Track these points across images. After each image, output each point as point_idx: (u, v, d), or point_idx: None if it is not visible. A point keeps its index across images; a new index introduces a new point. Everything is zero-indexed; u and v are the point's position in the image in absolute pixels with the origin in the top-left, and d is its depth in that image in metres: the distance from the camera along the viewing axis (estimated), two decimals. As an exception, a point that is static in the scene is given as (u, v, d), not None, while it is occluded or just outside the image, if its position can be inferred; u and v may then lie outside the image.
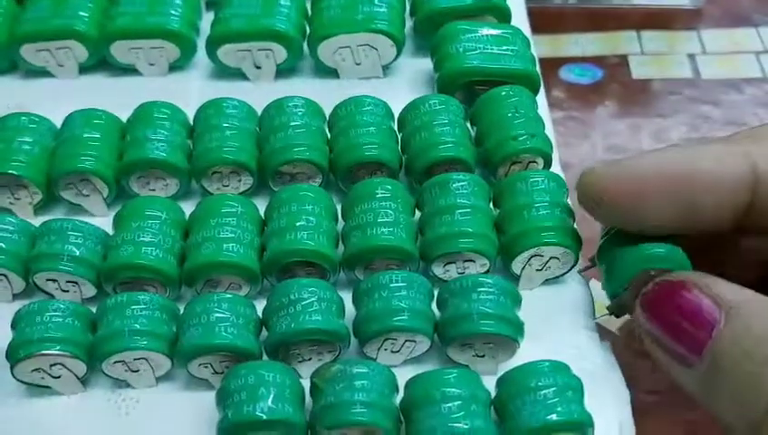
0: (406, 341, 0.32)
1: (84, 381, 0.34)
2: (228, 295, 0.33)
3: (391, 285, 0.32)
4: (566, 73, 0.63)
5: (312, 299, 0.32)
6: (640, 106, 0.61)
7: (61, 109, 0.41)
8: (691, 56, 0.64)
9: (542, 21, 0.60)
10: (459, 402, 0.29)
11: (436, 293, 0.34)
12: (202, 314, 0.32)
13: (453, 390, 0.29)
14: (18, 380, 0.33)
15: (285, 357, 0.33)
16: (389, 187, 0.36)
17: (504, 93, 0.38)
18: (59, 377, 0.33)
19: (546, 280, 0.35)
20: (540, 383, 0.29)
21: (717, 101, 0.61)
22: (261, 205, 0.37)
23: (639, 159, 0.29)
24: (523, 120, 0.37)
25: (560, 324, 0.34)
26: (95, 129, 0.39)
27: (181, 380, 0.34)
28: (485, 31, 0.41)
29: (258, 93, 0.43)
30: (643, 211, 0.29)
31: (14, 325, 0.33)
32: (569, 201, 0.35)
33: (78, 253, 0.35)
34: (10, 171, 0.38)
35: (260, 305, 0.34)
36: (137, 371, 0.33)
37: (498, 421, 0.30)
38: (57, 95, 0.45)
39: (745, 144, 0.29)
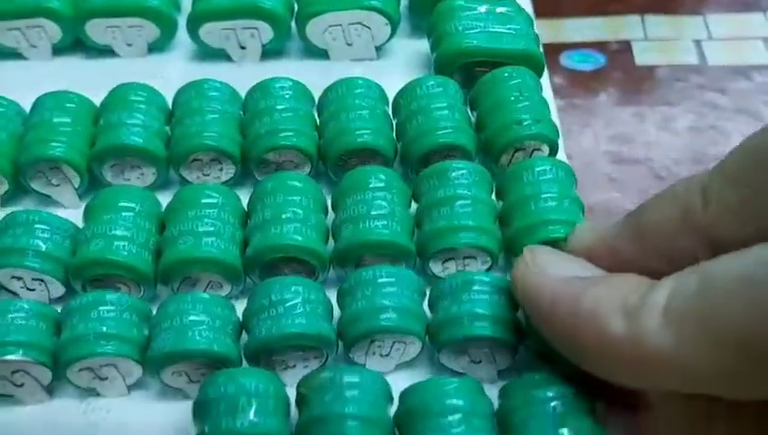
0: (395, 343, 0.30)
1: (50, 390, 0.31)
2: (204, 296, 0.30)
3: (377, 281, 0.29)
4: (566, 60, 0.61)
5: (297, 300, 0.29)
6: (645, 94, 0.59)
7: (33, 93, 0.38)
8: (697, 42, 0.62)
9: (542, 4, 0.57)
10: (460, 416, 0.26)
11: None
12: (175, 317, 0.29)
13: (453, 401, 0.26)
14: (-24, 387, 0.30)
15: (267, 364, 0.30)
16: (384, 176, 0.33)
17: (506, 75, 0.36)
18: (21, 385, 0.30)
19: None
20: (549, 394, 0.27)
21: (725, 89, 0.58)
22: (244, 196, 0.34)
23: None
24: (527, 103, 0.35)
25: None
26: (66, 113, 0.36)
27: (155, 388, 0.31)
28: (485, 8, 0.38)
29: (243, 76, 0.40)
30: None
31: (-29, 327, 0.30)
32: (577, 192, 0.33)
33: (45, 248, 0.32)
34: (-28, 159, 0.35)
35: (243, 307, 0.31)
36: (105, 378, 0.30)
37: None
38: (29, 78, 0.42)
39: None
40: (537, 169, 0.32)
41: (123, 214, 0.33)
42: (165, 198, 0.35)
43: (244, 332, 0.31)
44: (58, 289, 0.33)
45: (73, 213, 0.35)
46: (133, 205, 0.33)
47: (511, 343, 0.29)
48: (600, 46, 0.61)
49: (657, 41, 0.61)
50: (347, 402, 0.27)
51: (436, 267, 0.32)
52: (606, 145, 0.55)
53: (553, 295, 0.25)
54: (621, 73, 0.59)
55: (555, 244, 0.30)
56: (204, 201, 0.33)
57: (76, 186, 0.36)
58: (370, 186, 0.33)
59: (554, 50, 0.60)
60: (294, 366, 0.30)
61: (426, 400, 0.27)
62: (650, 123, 0.57)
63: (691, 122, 0.57)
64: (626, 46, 0.61)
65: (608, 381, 0.25)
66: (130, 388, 0.31)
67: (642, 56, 0.60)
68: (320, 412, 0.27)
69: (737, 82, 0.59)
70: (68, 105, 0.37)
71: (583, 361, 0.25)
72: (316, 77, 0.39)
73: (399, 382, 0.28)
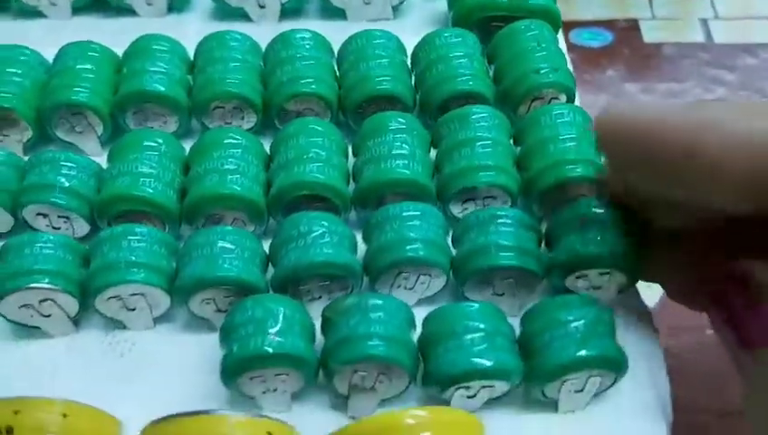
0: (420, 275, 0.30)
1: (76, 322, 0.31)
2: (232, 229, 0.31)
3: (403, 215, 0.30)
4: (576, 37, 0.62)
5: (323, 231, 0.30)
6: (652, 70, 0.60)
7: (53, 50, 0.39)
8: (703, 21, 0.63)
9: (552, -18, 0.59)
10: (482, 335, 0.27)
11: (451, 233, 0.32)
12: (204, 246, 0.30)
13: (475, 323, 0.27)
14: (5, 317, 0.30)
15: (294, 294, 0.30)
16: (404, 120, 0.34)
17: (523, 27, 0.36)
18: (49, 316, 0.31)
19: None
20: (569, 317, 0.27)
21: (732, 66, 0.59)
22: (265, 145, 0.35)
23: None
24: (544, 53, 0.35)
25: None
26: (90, 61, 0.37)
27: (180, 321, 0.32)
28: (502, -35, 0.39)
29: (261, 35, 0.40)
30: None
31: (0, 257, 0.30)
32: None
33: (70, 184, 0.33)
34: (-2, 104, 0.36)
35: (265, 247, 0.32)
36: (133, 309, 0.31)
37: (524, 359, 0.28)
38: (49, 36, 0.43)
39: None
40: (554, 113, 0.33)
41: (148, 153, 0.33)
42: (187, 148, 0.35)
43: (270, 265, 0.31)
44: (83, 227, 0.33)
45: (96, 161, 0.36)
46: (158, 146, 0.34)
47: (535, 275, 0.30)
48: (608, 24, 0.62)
49: (664, 19, 0.62)
50: (372, 323, 0.27)
51: (455, 208, 0.33)
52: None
53: (662, 114, 0.24)
54: (629, 50, 0.60)
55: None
56: (228, 142, 0.33)
57: (99, 133, 0.37)
58: (391, 128, 0.33)
59: (564, 27, 0.61)
60: (320, 298, 0.31)
61: (448, 321, 0.27)
62: (657, 99, 0.58)
63: (698, 98, 0.58)
64: (634, 24, 0.62)
65: (714, 209, 0.24)
66: (156, 320, 0.31)
67: (650, 34, 0.61)
68: (345, 334, 0.27)
69: (743, 59, 0.60)
70: (91, 54, 0.38)
71: (694, 181, 0.23)
72: (334, 37, 0.39)
73: (421, 316, 0.29)
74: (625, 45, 0.61)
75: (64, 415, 0.24)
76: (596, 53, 0.60)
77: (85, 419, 0.24)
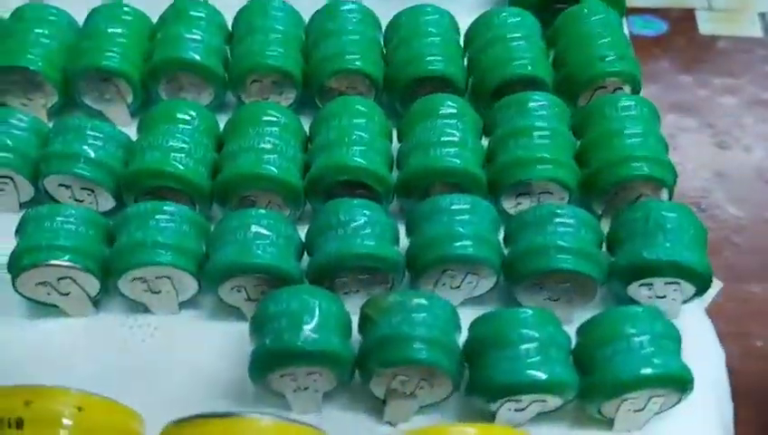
0: (468, 274, 0.28)
1: (96, 303, 0.29)
2: (269, 212, 0.28)
3: (452, 208, 0.28)
4: (629, 25, 0.59)
5: (365, 221, 0.28)
6: (707, 63, 0.56)
7: (83, 11, 0.37)
8: (762, 15, 0.59)
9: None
10: (537, 344, 0.24)
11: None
12: (238, 230, 0.28)
13: (531, 332, 0.25)
14: (21, 294, 0.28)
15: (330, 287, 0.28)
16: (455, 104, 0.31)
17: (587, 10, 0.34)
18: (68, 294, 0.29)
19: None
20: (634, 330, 0.25)
21: (789, 63, 0.56)
22: (304, 124, 0.33)
23: None
24: (609, 39, 0.33)
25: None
26: (122, 24, 0.35)
27: (208, 307, 0.30)
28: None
29: (305, 5, 0.38)
30: None
31: (18, 230, 0.28)
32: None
33: (96, 155, 0.30)
34: (24, 65, 0.33)
35: (300, 234, 0.29)
36: (158, 292, 0.29)
37: (580, 373, 0.25)
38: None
39: None
40: (620, 105, 0.30)
41: (181, 126, 0.31)
42: (222, 123, 0.33)
43: (305, 254, 0.29)
44: (107, 201, 0.31)
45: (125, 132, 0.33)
46: (191, 119, 0.31)
47: (594, 280, 0.27)
48: (663, 13, 0.59)
49: (721, 11, 0.59)
50: (416, 325, 0.25)
51: (508, 203, 0.31)
52: (667, 111, 0.53)
53: None
54: (684, 41, 0.57)
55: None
56: (265, 119, 0.31)
57: (129, 102, 0.35)
58: (441, 113, 0.31)
59: (618, 14, 0.58)
60: (358, 292, 0.28)
61: (501, 328, 0.25)
62: (711, 92, 0.55)
63: (754, 95, 0.55)
64: (689, 14, 0.59)
65: None
66: (182, 305, 0.29)
67: (705, 26, 0.58)
68: (386, 334, 0.25)
69: (802, 58, 0.57)
70: (123, 17, 0.35)
71: None
72: (383, 12, 0.37)
73: (466, 318, 0.27)
74: (680, 35, 0.58)
75: (79, 408, 0.22)
76: (649, 42, 0.57)
77: (102, 412, 0.22)
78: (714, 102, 0.54)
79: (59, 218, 0.28)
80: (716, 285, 0.30)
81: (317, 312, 0.25)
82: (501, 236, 0.29)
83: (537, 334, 0.25)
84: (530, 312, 0.25)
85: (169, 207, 0.28)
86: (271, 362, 0.25)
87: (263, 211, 0.28)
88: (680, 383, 0.25)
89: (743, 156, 0.49)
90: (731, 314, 0.30)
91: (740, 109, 0.54)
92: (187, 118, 0.31)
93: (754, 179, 0.47)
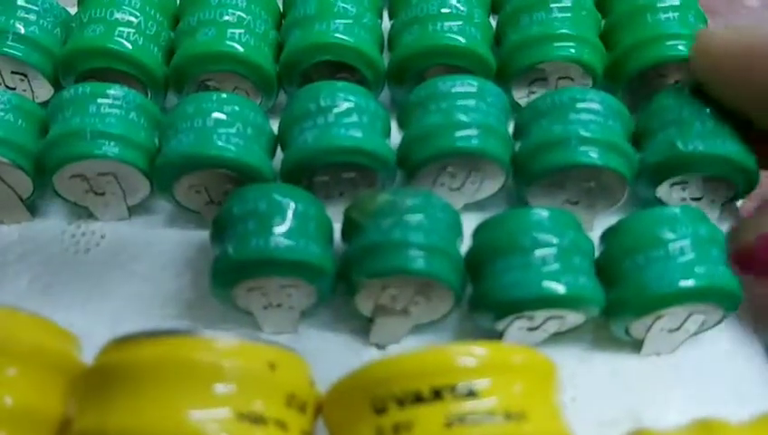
0: (471, 172, 0.23)
1: (31, 208, 0.25)
2: (233, 96, 0.24)
3: (454, 91, 0.23)
4: None
5: (350, 107, 0.23)
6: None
7: None
8: None
9: None
10: (555, 251, 0.20)
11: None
12: (196, 117, 0.23)
13: (547, 236, 0.20)
14: (-59, 196, 0.24)
15: (308, 187, 0.24)
16: (459, -29, 0.26)
17: None
18: (-4, 196, 0.24)
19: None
20: (671, 235, 0.21)
21: None
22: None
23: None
24: None
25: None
26: None
27: (162, 213, 0.26)
28: None
29: None
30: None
31: (-66, 118, 0.24)
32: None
33: (29, 32, 0.25)
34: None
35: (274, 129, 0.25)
36: (102, 193, 0.24)
37: (605, 285, 0.21)
38: None
39: None
40: (654, -25, 0.25)
41: (129, -2, 0.26)
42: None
43: (279, 148, 0.24)
44: (44, 89, 0.26)
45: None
46: (142, -11, 0.26)
47: (623, 179, 0.23)
48: None
49: None
50: (411, 230, 0.21)
51: (519, 93, 0.26)
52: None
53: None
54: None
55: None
56: (231, -12, 0.26)
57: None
58: (442, -19, 0.26)
59: None
60: (341, 195, 0.24)
61: (511, 232, 0.21)
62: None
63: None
64: None
65: None
66: (132, 211, 0.25)
67: None
68: (375, 239, 0.21)
69: None
70: None
71: None
72: None
73: (468, 226, 0.22)
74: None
75: (-6, 326, 0.17)
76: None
77: (25, 329, 0.18)
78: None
79: (-19, 105, 0.23)
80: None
81: (291, 213, 0.21)
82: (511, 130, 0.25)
83: (555, 239, 0.20)
84: (546, 212, 0.21)
85: (114, 90, 0.24)
86: (235, 273, 0.21)
87: (225, 94, 0.23)
88: (727, 298, 0.21)
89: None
90: None
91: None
92: (137, -13, 0.26)
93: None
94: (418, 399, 0.16)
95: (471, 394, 0.16)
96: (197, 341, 0.17)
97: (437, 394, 0.16)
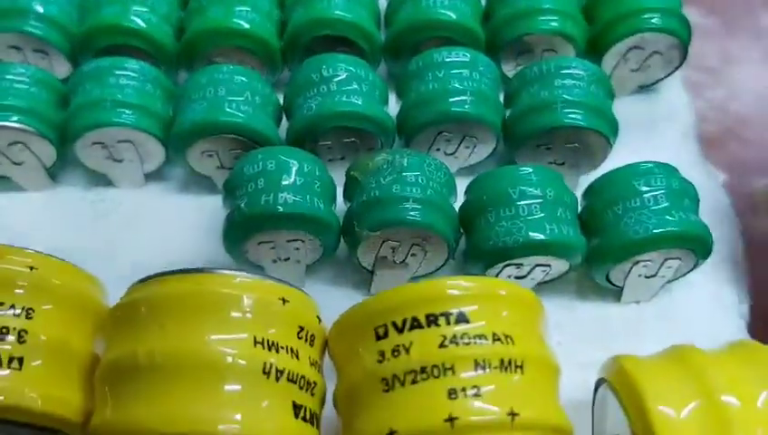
0: (465, 137, 0.25)
1: (54, 175, 0.27)
2: (242, 68, 0.25)
3: (448, 61, 0.25)
4: None
5: (349, 76, 0.25)
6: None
7: None
8: None
9: None
10: (540, 202, 0.22)
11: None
12: (208, 87, 0.25)
13: (532, 189, 0.22)
14: (-32, 163, 0.26)
15: (312, 151, 0.25)
16: (450, -46, 0.28)
17: None
18: (21, 163, 0.26)
19: (641, 86, 0.28)
20: (645, 187, 0.22)
21: None
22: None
23: None
24: None
25: (661, 137, 0.28)
26: None
27: (176, 179, 0.27)
28: None
29: None
30: None
31: (-38, 90, 0.25)
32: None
33: (48, 11, 0.27)
34: None
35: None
36: (120, 160, 0.26)
37: (588, 236, 0.23)
38: None
39: None
40: (632, -46, 0.27)
41: (142, -20, 0.28)
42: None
43: (285, 117, 0.26)
44: (63, 66, 0.28)
45: None
46: (154, -27, 0.28)
47: (607, 140, 0.25)
48: None
49: None
50: (408, 185, 0.22)
51: (508, 65, 0.28)
52: None
53: None
54: None
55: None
56: (237, -30, 0.28)
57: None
58: (435, -37, 0.28)
59: None
60: (343, 159, 0.26)
61: (499, 186, 0.23)
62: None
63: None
64: None
65: None
66: (148, 178, 0.27)
67: None
68: (374, 195, 0.22)
69: None
70: None
71: None
72: None
73: (463, 188, 0.24)
74: None
75: (31, 268, 0.19)
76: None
77: (57, 273, 0.19)
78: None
79: (8, 77, 0.25)
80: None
81: (297, 172, 0.23)
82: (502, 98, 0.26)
83: (539, 192, 0.22)
84: (531, 169, 0.23)
85: (131, 63, 0.25)
86: (247, 227, 0.23)
87: (234, 66, 0.25)
88: (698, 243, 0.22)
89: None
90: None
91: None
92: (149, -29, 0.28)
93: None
94: (415, 324, 0.18)
95: (462, 319, 0.18)
96: (219, 276, 0.18)
97: (432, 320, 0.18)
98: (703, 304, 0.25)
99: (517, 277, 0.23)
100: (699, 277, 0.25)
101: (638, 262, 0.23)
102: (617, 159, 0.26)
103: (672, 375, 0.18)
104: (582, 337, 0.24)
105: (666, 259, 0.23)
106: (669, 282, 0.24)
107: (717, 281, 0.25)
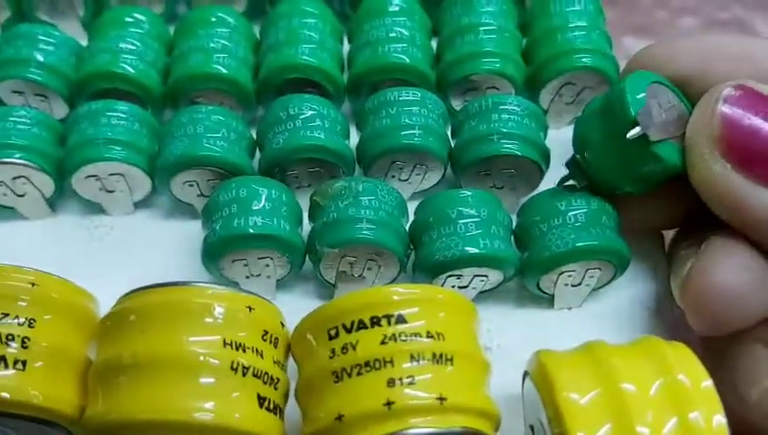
0: (416, 166, 0.29)
1: (52, 205, 0.30)
2: (219, 108, 0.29)
3: (401, 99, 0.28)
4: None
5: (314, 114, 0.28)
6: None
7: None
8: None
9: None
10: (476, 220, 0.25)
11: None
12: (188, 125, 0.28)
13: (469, 209, 0.26)
14: (-24, 196, 0.29)
15: (282, 181, 0.29)
16: (403, 2, 0.32)
17: None
18: (24, 195, 0.29)
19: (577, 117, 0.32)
20: (569, 207, 0.26)
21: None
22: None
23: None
24: None
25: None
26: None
27: (161, 207, 0.30)
28: None
29: None
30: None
31: (-29, 132, 0.29)
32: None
33: (48, 60, 0.31)
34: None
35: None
36: (112, 191, 0.29)
37: (521, 250, 0.26)
38: None
39: None
40: (564, 0, 0.31)
41: (131, 30, 0.31)
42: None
43: (258, 150, 0.30)
44: (61, 108, 0.31)
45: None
46: (142, 23, 0.32)
47: (538, 167, 0.28)
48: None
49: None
50: (363, 208, 0.26)
51: (456, 101, 0.31)
52: (625, 33, 0.53)
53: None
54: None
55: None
56: (215, 20, 0.31)
57: (81, 15, 0.35)
58: (390, 11, 0.31)
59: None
60: (309, 186, 0.29)
61: (441, 207, 0.26)
62: (670, 13, 0.55)
63: (709, 15, 0.55)
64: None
65: None
66: (137, 206, 0.30)
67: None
68: (334, 217, 0.26)
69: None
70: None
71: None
72: None
73: (414, 209, 0.28)
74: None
75: (33, 284, 0.22)
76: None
77: (55, 289, 0.23)
78: (672, 24, 0.55)
79: (11, 119, 0.28)
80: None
81: (266, 199, 0.26)
82: (449, 131, 0.30)
83: (475, 212, 0.26)
84: (469, 192, 0.26)
85: (121, 105, 0.29)
86: (222, 247, 0.26)
87: (212, 107, 0.29)
88: (615, 256, 0.26)
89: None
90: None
91: (698, 30, 0.54)
92: (138, 23, 0.32)
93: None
94: (361, 325, 0.21)
95: (401, 320, 0.21)
96: (195, 288, 0.22)
97: (375, 321, 0.21)
98: (629, 307, 0.28)
99: (460, 287, 0.26)
100: (626, 283, 0.28)
101: (562, 272, 0.26)
102: (554, 182, 0.29)
103: (580, 366, 0.21)
104: (520, 340, 0.27)
105: (587, 269, 0.26)
106: (596, 289, 0.27)
107: (644, 287, 0.28)
